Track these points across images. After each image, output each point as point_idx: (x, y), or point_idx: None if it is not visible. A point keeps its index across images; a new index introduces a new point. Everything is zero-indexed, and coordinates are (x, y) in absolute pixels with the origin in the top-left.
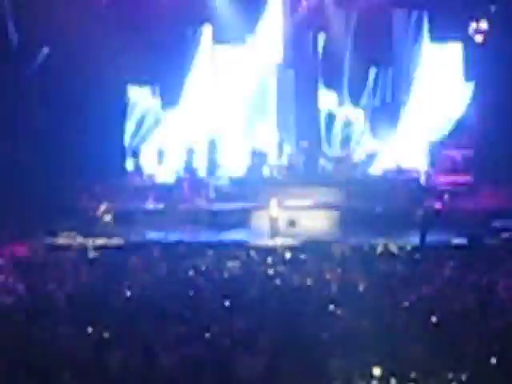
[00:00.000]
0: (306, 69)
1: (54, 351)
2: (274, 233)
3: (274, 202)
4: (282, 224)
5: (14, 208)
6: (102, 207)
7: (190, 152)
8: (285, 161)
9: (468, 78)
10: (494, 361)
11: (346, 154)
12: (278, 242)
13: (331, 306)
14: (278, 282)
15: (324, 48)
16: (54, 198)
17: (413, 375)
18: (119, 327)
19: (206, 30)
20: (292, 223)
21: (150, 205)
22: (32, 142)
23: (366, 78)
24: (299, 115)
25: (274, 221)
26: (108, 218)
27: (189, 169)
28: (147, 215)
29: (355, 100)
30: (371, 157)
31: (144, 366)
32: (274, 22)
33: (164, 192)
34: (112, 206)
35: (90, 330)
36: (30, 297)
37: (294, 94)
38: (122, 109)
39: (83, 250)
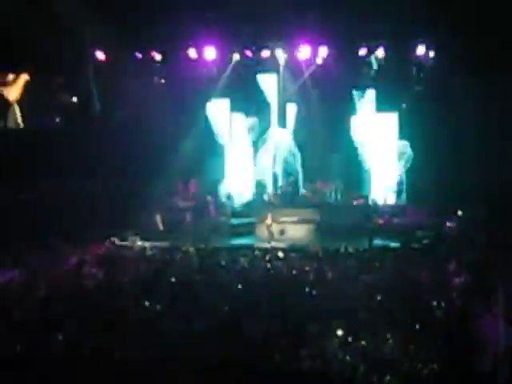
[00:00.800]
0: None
1: (121, 318)
2: (270, 238)
3: (269, 218)
4: (275, 232)
5: (95, 221)
6: (158, 220)
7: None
8: (278, 190)
9: (401, 137)
10: (417, 326)
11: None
12: (274, 244)
13: (308, 289)
14: (273, 272)
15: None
16: (123, 214)
17: (363, 335)
18: (166, 302)
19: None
20: (282, 232)
21: (188, 219)
22: (108, 179)
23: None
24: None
25: (269, 230)
26: (160, 227)
27: (214, 194)
28: (186, 226)
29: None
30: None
31: (183, 330)
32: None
33: (197, 211)
34: (164, 219)
35: (146, 303)
36: (106, 281)
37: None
38: None
39: (142, 249)
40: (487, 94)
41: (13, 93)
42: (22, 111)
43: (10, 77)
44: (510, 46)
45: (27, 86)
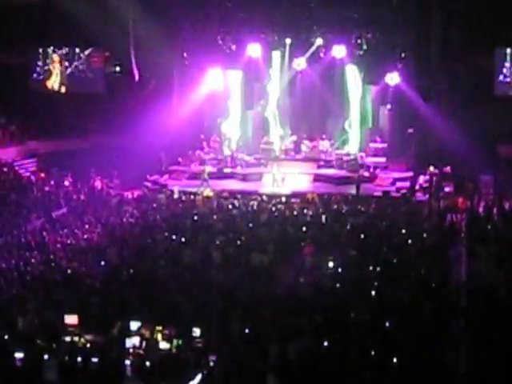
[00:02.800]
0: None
1: (153, 248)
2: (275, 185)
3: (275, 168)
4: (279, 180)
5: (134, 169)
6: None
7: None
8: (282, 146)
9: (384, 103)
10: (394, 261)
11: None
12: (278, 190)
13: (305, 228)
14: (277, 214)
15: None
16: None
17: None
18: (189, 236)
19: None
20: (283, 180)
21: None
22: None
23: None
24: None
25: (274, 178)
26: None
27: (231, 148)
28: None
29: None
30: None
31: (202, 259)
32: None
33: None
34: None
35: (173, 237)
36: (142, 218)
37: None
38: None
39: (172, 192)
40: (457, 73)
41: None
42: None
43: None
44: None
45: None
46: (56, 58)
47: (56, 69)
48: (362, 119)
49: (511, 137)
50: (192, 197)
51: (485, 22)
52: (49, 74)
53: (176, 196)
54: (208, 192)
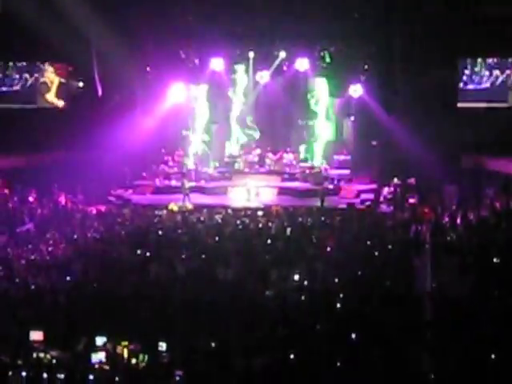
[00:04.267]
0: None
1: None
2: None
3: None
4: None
5: (97, 184)
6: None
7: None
8: (247, 159)
9: (347, 116)
10: (359, 273)
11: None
12: (243, 204)
13: (270, 240)
14: (241, 227)
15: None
16: (120, 178)
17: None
18: (155, 248)
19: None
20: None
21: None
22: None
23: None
24: None
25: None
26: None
27: (195, 163)
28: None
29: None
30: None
31: (167, 273)
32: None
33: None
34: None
35: (138, 251)
36: (106, 233)
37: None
38: None
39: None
40: (420, 85)
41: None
42: None
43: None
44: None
45: None
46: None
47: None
48: (326, 131)
49: (474, 147)
50: (156, 211)
51: (446, 33)
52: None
53: (141, 210)
54: (188, 206)
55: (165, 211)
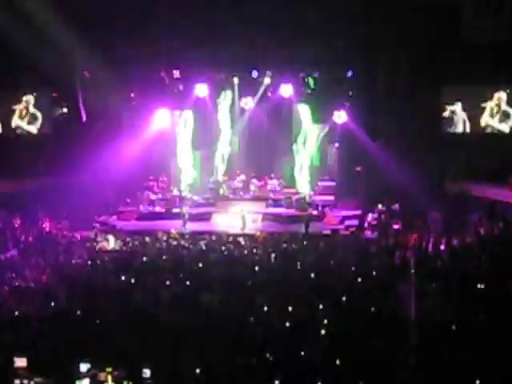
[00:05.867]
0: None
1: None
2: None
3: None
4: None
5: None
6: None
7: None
8: (231, 186)
9: (331, 142)
10: (344, 299)
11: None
12: (227, 230)
13: (257, 268)
14: (226, 253)
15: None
16: (105, 204)
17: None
18: (139, 274)
19: None
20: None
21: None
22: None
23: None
24: None
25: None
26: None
27: (179, 189)
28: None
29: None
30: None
31: (151, 299)
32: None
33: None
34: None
35: (122, 277)
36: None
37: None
38: None
39: (120, 233)
40: (405, 112)
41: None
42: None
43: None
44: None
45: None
46: None
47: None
48: (311, 158)
49: (458, 174)
50: (141, 238)
51: (431, 60)
52: None
53: (125, 237)
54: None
55: (148, 238)
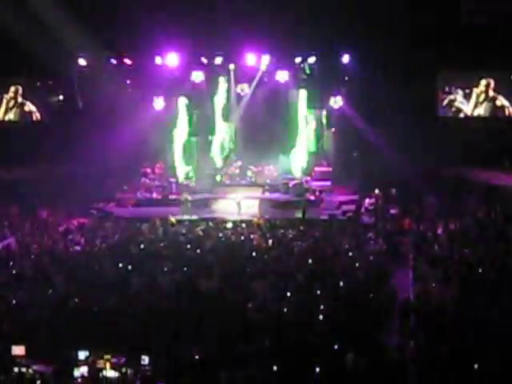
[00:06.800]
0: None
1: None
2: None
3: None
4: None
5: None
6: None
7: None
8: (228, 172)
9: (328, 127)
10: (341, 284)
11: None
12: (224, 216)
13: (254, 254)
14: (223, 239)
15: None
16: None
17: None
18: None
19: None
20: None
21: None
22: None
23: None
24: None
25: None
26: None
27: (176, 175)
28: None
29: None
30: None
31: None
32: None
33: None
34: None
35: (120, 264)
36: (88, 246)
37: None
38: None
39: (117, 220)
40: (401, 97)
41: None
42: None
43: None
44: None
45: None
46: None
47: None
48: (307, 143)
49: (454, 159)
50: (138, 224)
51: (427, 46)
52: None
53: (123, 223)
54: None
55: (146, 224)
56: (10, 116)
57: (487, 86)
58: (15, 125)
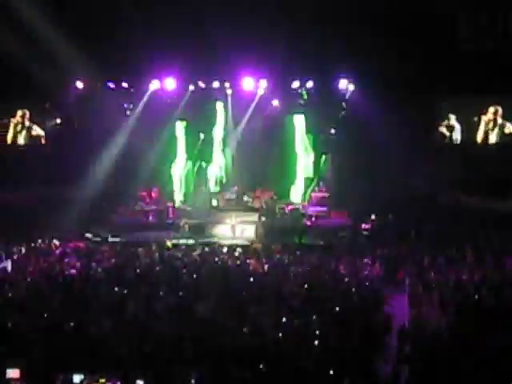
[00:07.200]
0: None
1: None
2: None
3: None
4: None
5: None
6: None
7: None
8: (225, 196)
9: (325, 152)
10: (337, 309)
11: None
12: (220, 241)
13: (253, 278)
14: (220, 264)
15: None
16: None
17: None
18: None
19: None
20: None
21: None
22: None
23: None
24: None
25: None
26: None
27: (172, 199)
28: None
29: None
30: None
31: (145, 310)
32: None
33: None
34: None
35: (116, 288)
36: (84, 270)
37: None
38: None
39: (113, 244)
40: (397, 121)
41: None
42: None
43: None
44: (410, 83)
45: None
46: None
47: None
48: (304, 168)
49: (451, 185)
50: (134, 248)
51: (425, 72)
52: None
53: (118, 247)
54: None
55: (142, 248)
56: (20, 140)
57: (495, 113)
58: (23, 148)
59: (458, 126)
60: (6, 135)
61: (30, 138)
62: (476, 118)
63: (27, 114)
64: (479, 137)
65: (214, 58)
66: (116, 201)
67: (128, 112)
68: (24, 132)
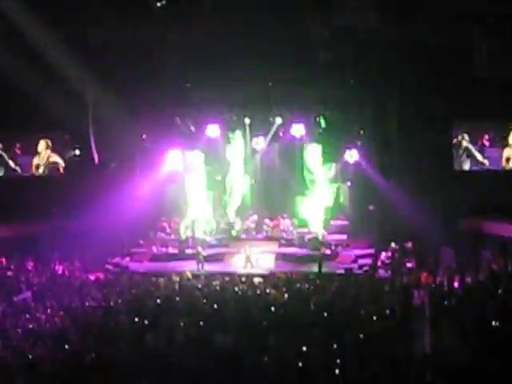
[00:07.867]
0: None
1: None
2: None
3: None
4: (252, 261)
5: (95, 251)
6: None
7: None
8: (244, 226)
9: (344, 181)
10: (358, 338)
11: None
12: (241, 271)
13: (273, 308)
14: (240, 293)
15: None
16: (118, 246)
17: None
18: (152, 319)
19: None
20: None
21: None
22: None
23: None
24: None
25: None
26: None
27: (192, 230)
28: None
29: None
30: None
31: (166, 341)
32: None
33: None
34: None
35: (136, 319)
36: (104, 301)
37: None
38: None
39: (133, 274)
40: (417, 149)
41: None
42: None
43: None
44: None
45: None
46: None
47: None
48: (323, 197)
49: (471, 210)
50: (154, 279)
51: (442, 98)
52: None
53: (138, 278)
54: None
55: (162, 279)
56: (40, 170)
57: None
58: (44, 178)
59: (476, 152)
60: (29, 166)
61: (51, 168)
62: (498, 145)
63: (49, 143)
64: (502, 163)
65: (232, 88)
66: (137, 231)
67: (146, 143)
68: (45, 162)
